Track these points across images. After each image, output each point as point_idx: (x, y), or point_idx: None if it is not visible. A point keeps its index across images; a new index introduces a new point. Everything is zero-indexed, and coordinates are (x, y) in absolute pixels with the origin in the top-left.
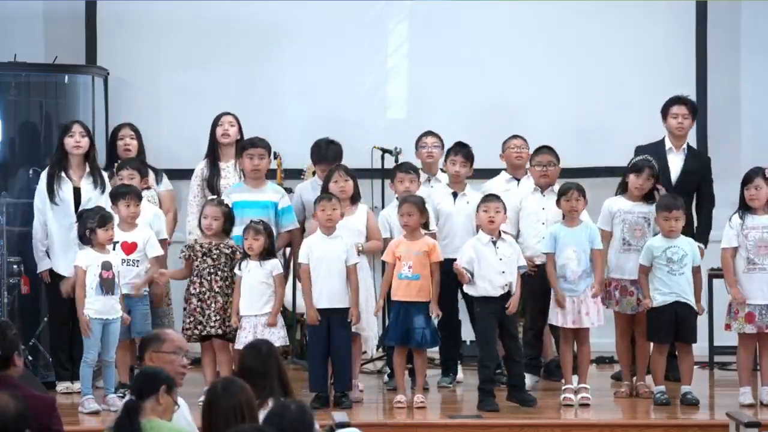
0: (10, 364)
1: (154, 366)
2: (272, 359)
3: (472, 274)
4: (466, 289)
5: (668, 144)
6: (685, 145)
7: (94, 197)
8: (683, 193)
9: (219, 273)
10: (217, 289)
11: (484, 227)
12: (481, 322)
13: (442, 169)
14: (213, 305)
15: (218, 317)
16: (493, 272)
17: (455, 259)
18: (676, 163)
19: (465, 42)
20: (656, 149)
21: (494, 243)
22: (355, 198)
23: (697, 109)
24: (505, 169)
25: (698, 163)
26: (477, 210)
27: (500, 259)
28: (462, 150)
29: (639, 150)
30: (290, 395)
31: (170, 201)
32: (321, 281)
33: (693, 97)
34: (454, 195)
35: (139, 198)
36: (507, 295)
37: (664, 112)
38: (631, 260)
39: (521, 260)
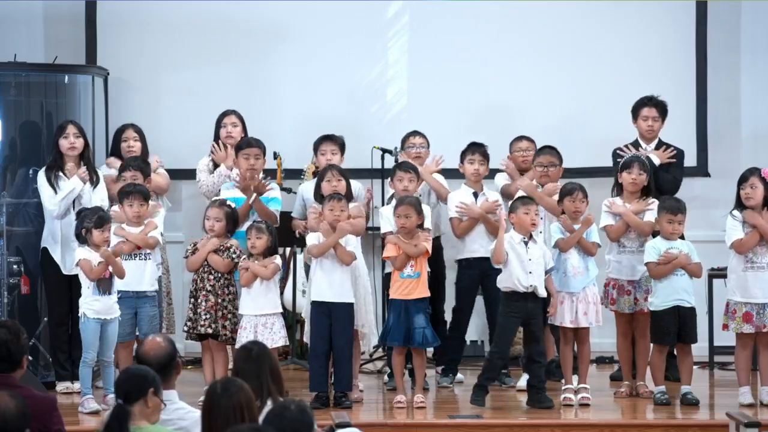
0: (18, 367)
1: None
2: (264, 360)
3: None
4: (498, 283)
5: (642, 145)
6: (655, 143)
7: (90, 194)
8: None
9: (213, 272)
10: (209, 288)
11: (524, 228)
12: (502, 319)
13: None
14: (204, 303)
15: (208, 316)
16: (520, 270)
17: (477, 259)
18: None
19: (465, 42)
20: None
21: (525, 243)
22: (347, 198)
23: (666, 110)
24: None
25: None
26: (514, 210)
27: (529, 260)
28: (479, 149)
29: (616, 152)
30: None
31: (166, 182)
32: (325, 275)
33: (693, 96)
34: (475, 195)
35: (146, 198)
36: (532, 296)
37: (635, 113)
38: (626, 260)
39: (550, 262)
